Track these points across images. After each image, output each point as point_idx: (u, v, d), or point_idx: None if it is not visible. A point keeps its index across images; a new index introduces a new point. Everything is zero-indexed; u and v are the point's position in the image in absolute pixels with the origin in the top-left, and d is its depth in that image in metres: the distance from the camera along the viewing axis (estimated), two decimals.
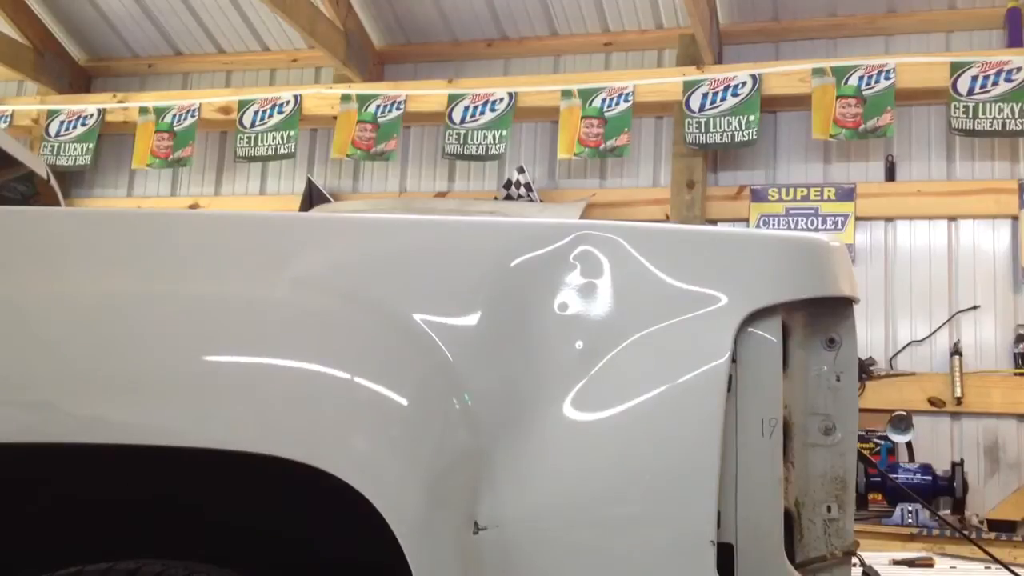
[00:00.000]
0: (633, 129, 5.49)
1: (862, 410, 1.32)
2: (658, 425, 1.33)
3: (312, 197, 5.93)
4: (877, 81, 5.12)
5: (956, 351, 5.07)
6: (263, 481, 1.40)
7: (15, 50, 6.50)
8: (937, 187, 5.25)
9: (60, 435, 1.33)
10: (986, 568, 2.76)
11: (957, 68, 5.03)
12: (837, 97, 5.16)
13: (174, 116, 6.18)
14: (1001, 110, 4.96)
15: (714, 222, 5.48)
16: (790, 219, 5.28)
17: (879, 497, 4.58)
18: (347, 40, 6.02)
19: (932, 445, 5.03)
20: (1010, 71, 4.97)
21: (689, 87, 5.40)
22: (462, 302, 1.39)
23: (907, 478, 4.52)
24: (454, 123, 5.69)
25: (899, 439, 4.71)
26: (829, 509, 1.47)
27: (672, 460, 1.32)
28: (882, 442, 4.79)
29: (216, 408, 1.32)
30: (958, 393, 5.02)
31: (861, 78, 5.14)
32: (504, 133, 5.61)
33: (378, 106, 5.86)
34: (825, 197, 5.31)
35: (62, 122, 6.37)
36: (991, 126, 4.98)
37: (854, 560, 1.63)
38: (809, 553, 1.45)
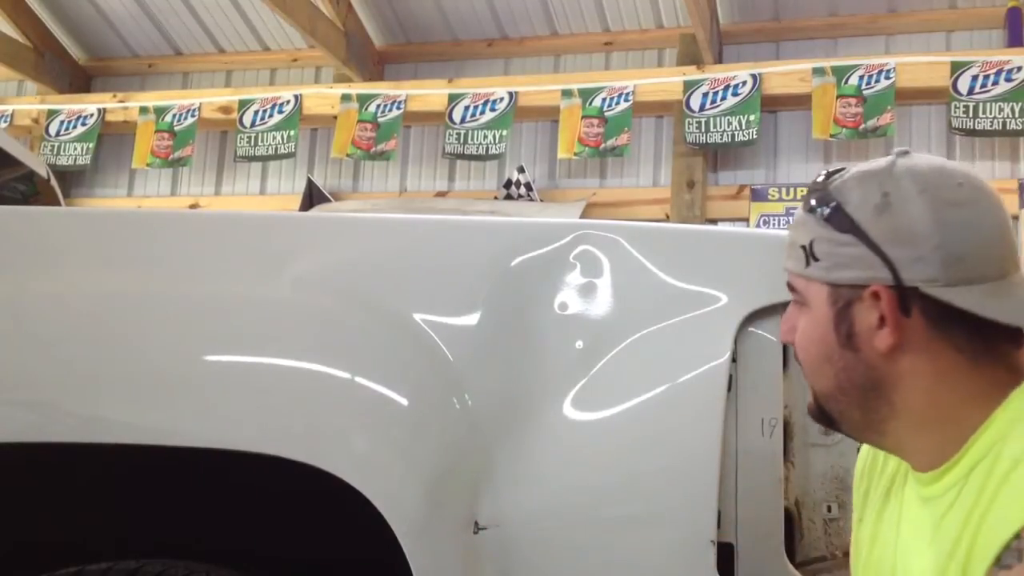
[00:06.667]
0: (633, 129, 5.48)
1: None
2: (658, 425, 1.33)
3: (312, 197, 5.92)
4: (877, 81, 5.12)
5: None
6: (263, 480, 1.40)
7: (15, 50, 6.49)
8: None
9: (60, 435, 1.33)
10: None
11: (957, 68, 5.03)
12: (837, 97, 5.15)
13: (174, 116, 6.18)
14: (1001, 110, 4.95)
15: (714, 222, 5.47)
16: (790, 219, 5.27)
17: None
18: (347, 40, 6.01)
19: None
20: (1010, 71, 4.96)
21: (689, 87, 5.39)
22: (462, 302, 1.39)
23: None
24: (454, 123, 5.69)
25: None
26: (829, 509, 1.47)
27: (672, 460, 1.32)
28: None
29: (216, 408, 1.32)
30: None
31: (861, 78, 5.13)
32: (504, 133, 5.61)
33: (378, 106, 5.85)
34: None
35: (62, 122, 6.36)
36: (991, 126, 4.97)
37: None
38: (809, 553, 1.45)
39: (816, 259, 1.01)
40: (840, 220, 0.99)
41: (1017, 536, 0.87)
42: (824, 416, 1.05)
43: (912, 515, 1.04)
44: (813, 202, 1.03)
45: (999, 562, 0.87)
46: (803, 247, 1.02)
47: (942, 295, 0.94)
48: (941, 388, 0.97)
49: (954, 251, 0.94)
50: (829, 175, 1.03)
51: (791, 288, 1.07)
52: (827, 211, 1.00)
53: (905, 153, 1.01)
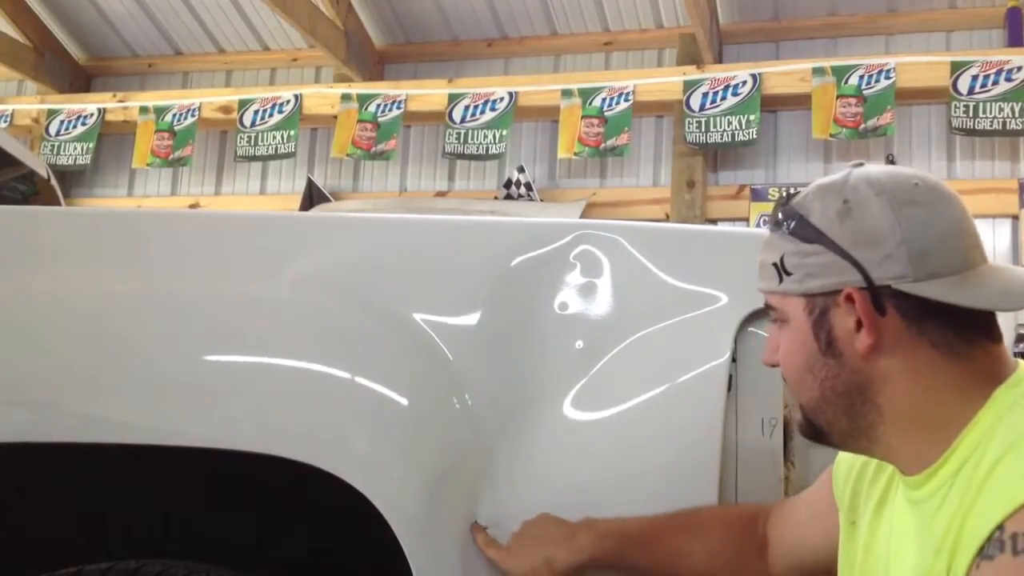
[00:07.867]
0: (633, 129, 5.48)
1: None
2: (658, 425, 1.33)
3: (312, 197, 5.92)
4: (877, 81, 5.12)
5: None
6: (263, 480, 1.40)
7: (15, 50, 6.49)
8: None
9: (60, 435, 1.33)
10: None
11: (957, 68, 5.03)
12: (837, 96, 5.15)
13: (174, 116, 6.18)
14: (1001, 110, 4.96)
15: (714, 222, 5.47)
16: None
17: None
18: (347, 39, 6.02)
19: None
20: (1010, 71, 4.96)
21: (689, 86, 5.40)
22: (462, 302, 1.39)
23: None
24: (454, 122, 5.69)
25: None
26: None
27: (672, 460, 1.32)
28: None
29: (216, 408, 1.32)
30: None
31: (861, 78, 5.14)
32: (504, 132, 5.61)
33: (378, 105, 5.85)
34: None
35: (62, 122, 6.37)
36: (991, 126, 4.97)
37: None
38: None
39: (788, 273, 1.04)
40: (806, 231, 1.03)
41: (1000, 527, 0.87)
42: (813, 430, 1.08)
43: (901, 520, 1.05)
44: (778, 219, 1.07)
45: (982, 552, 0.88)
46: (774, 264, 1.06)
47: (913, 290, 0.97)
48: (921, 387, 0.99)
49: (918, 246, 0.98)
50: (790, 195, 1.08)
51: (769, 308, 1.10)
52: (792, 225, 1.04)
53: (859, 164, 1.06)
